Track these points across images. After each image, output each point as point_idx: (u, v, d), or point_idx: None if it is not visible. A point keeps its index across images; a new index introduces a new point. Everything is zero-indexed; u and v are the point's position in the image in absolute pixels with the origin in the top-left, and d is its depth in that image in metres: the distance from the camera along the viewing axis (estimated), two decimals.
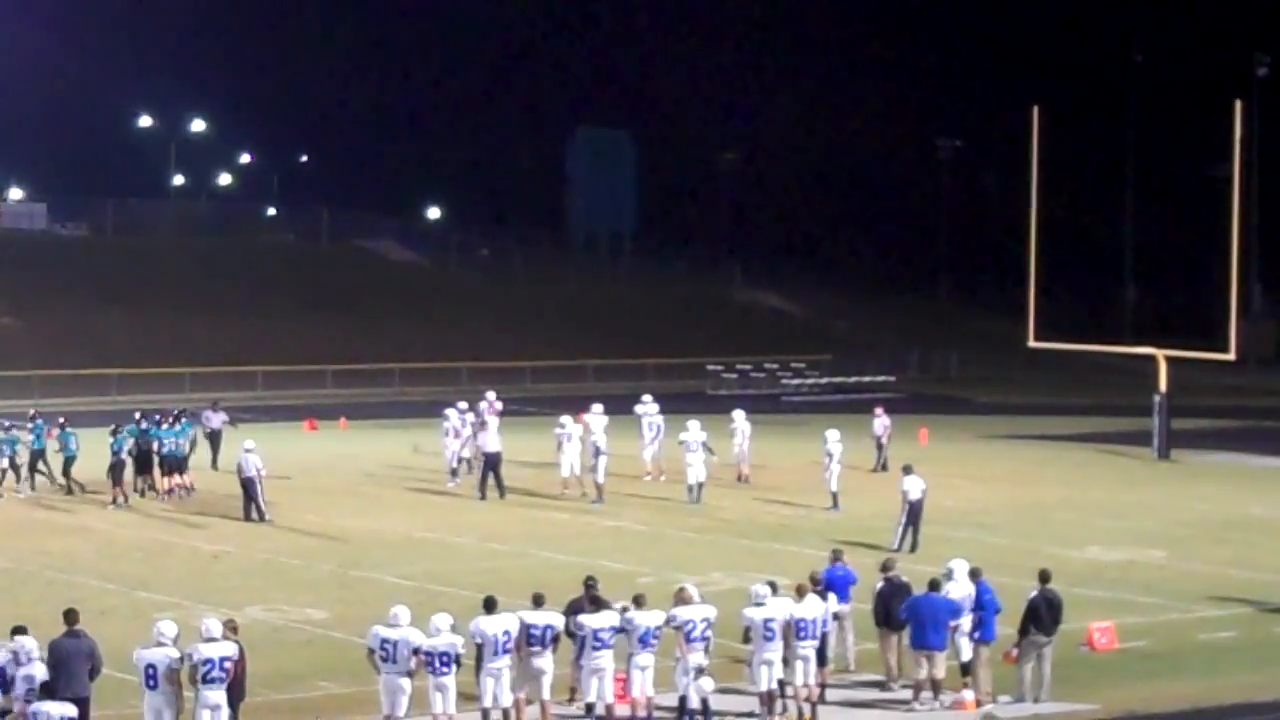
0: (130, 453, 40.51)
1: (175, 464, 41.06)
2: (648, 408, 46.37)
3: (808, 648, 22.25)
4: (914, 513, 34.67)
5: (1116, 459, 52.50)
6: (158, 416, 42.51)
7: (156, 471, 41.19)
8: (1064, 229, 74.54)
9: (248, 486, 38.06)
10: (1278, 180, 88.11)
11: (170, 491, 40.75)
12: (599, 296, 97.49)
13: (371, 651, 20.65)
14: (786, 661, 22.10)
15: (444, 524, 37.90)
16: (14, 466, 41.56)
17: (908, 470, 35.48)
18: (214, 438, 45.97)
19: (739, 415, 45.22)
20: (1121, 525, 38.82)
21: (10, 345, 74.69)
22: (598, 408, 45.08)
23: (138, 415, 42.68)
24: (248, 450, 38.66)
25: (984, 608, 23.30)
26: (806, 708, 22.23)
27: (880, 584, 24.06)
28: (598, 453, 41.07)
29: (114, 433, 40.57)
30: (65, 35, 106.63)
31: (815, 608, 22.54)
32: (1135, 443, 54.03)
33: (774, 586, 22.69)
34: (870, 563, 26.11)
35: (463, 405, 45.56)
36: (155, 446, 41.09)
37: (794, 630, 22.10)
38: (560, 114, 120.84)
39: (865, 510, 39.01)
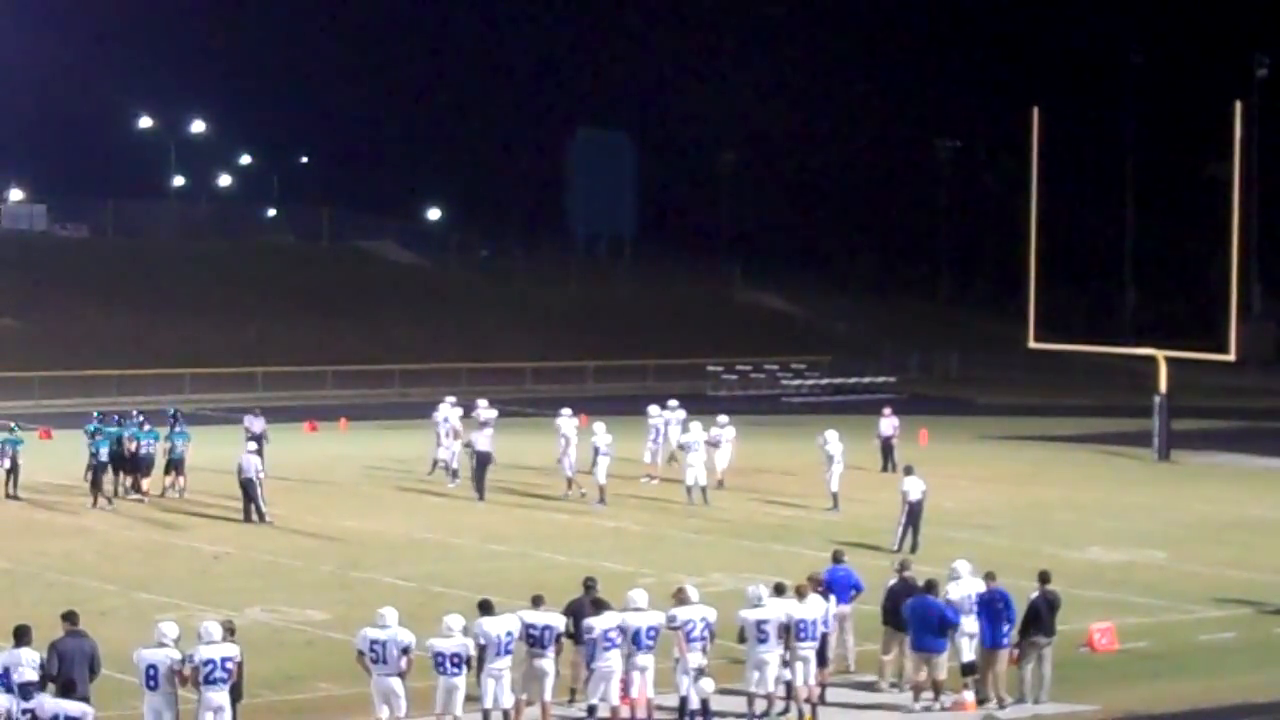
0: (112, 453, 40.40)
1: (148, 465, 40.89)
2: (663, 412, 46.37)
3: (808, 648, 22.26)
4: (914, 514, 34.72)
5: (1117, 460, 52.52)
6: (141, 417, 42.36)
7: (133, 472, 41.01)
8: (1064, 229, 74.53)
9: (247, 488, 38.03)
10: (1278, 180, 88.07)
11: (157, 492, 40.60)
12: (599, 297, 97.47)
13: (361, 654, 20.65)
14: (787, 663, 22.11)
15: (444, 525, 37.91)
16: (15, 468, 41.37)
17: (908, 471, 35.66)
18: (255, 442, 45.59)
19: (724, 419, 45.13)
20: (1122, 526, 38.82)
21: (10, 346, 74.66)
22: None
23: (98, 415, 42.19)
24: (250, 451, 38.68)
25: (1008, 606, 23.19)
26: (807, 708, 22.24)
27: (893, 580, 24.04)
28: (597, 453, 41.06)
29: (94, 435, 40.52)
30: (65, 35, 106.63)
31: (816, 608, 22.55)
32: (1135, 444, 54.04)
33: (781, 588, 22.67)
34: (871, 564, 26.13)
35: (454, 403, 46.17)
36: (133, 447, 40.95)
37: (794, 631, 22.11)
38: (560, 114, 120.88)
39: (865, 511, 39.01)
